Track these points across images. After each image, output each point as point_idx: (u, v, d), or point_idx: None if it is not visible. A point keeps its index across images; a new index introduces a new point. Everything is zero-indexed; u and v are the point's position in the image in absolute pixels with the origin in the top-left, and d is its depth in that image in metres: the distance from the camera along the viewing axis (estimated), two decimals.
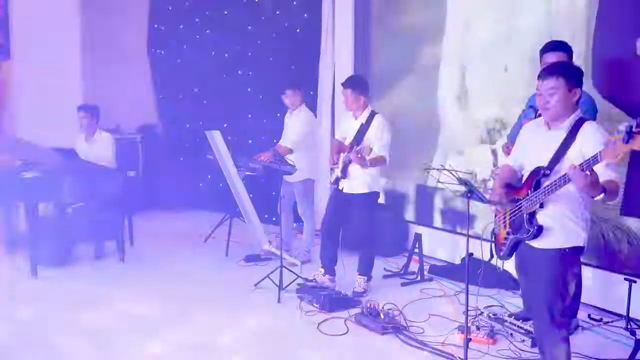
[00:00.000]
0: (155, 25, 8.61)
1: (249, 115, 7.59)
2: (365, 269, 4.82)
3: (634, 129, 2.26)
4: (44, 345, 3.82)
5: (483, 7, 5.28)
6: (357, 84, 4.79)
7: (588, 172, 2.43)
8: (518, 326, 3.83)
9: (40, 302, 4.59)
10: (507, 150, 4.18)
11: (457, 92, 5.56)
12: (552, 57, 3.70)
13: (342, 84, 4.84)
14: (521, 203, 2.87)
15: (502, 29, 5.07)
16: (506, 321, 3.93)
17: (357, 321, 4.11)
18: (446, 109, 5.69)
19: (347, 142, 4.79)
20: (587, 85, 3.62)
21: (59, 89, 7.47)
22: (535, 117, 3.82)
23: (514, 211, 2.92)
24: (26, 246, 5.32)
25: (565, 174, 2.58)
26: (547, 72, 2.82)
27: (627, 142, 2.27)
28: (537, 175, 2.80)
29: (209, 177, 8.01)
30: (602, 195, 2.50)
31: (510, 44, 4.98)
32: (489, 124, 5.21)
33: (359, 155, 4.42)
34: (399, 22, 6.16)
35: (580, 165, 2.47)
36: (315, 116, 6.17)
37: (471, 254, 3.07)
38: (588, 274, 4.22)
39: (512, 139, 4.19)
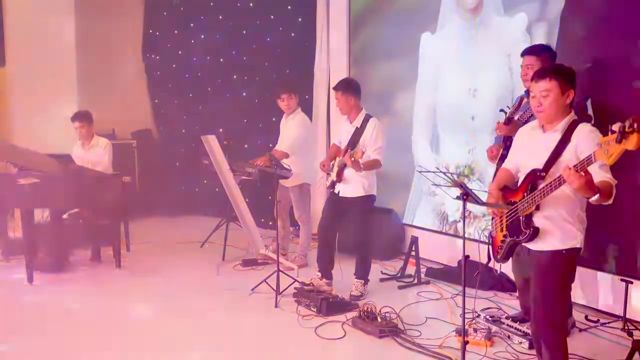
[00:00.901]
0: (150, 31, 8.62)
1: (245, 120, 7.60)
2: (362, 273, 4.82)
3: (627, 129, 2.26)
4: (40, 349, 3.80)
5: (451, 60, 5.53)
6: (346, 85, 4.81)
7: (582, 173, 2.44)
8: (515, 328, 3.83)
9: (36, 309, 4.57)
10: (491, 153, 4.22)
11: (429, 136, 5.80)
12: (528, 60, 3.91)
13: (334, 88, 4.86)
14: (517, 205, 2.87)
15: (468, 81, 5.32)
16: (503, 323, 3.93)
17: (354, 325, 4.11)
18: (419, 151, 5.93)
19: (343, 146, 4.81)
20: None
21: (54, 95, 7.47)
22: (505, 120, 3.95)
23: (511, 214, 2.93)
24: (22, 252, 5.29)
25: (560, 176, 2.59)
26: (540, 74, 2.84)
27: (620, 141, 2.28)
28: (533, 178, 2.81)
29: (205, 182, 8.02)
30: (597, 196, 2.50)
31: (476, 96, 5.26)
32: (459, 169, 5.43)
33: (353, 160, 4.42)
34: (376, 65, 6.33)
35: (574, 166, 2.48)
36: (311, 120, 6.18)
37: (467, 257, 3.08)
38: (585, 275, 4.23)
39: (497, 140, 4.24)
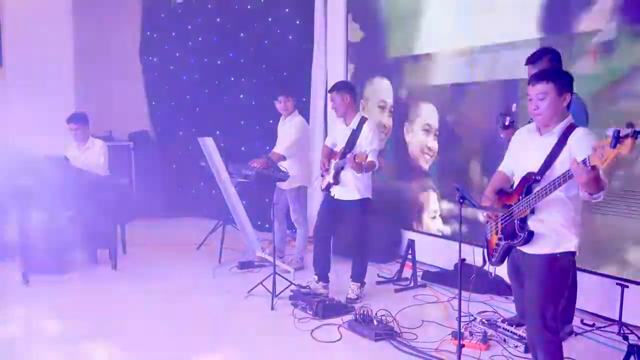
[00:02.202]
0: (148, 32, 8.62)
1: (242, 122, 7.59)
2: (359, 276, 4.82)
3: (621, 134, 2.27)
4: (36, 351, 3.79)
5: None
6: (341, 86, 4.83)
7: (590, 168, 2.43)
8: (511, 332, 3.84)
9: (31, 310, 4.56)
10: None
11: None
12: (533, 70, 3.70)
13: (329, 90, 4.87)
14: (512, 209, 2.88)
15: None
16: (499, 327, 3.93)
17: (350, 328, 4.11)
18: None
19: (338, 149, 4.80)
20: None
21: (51, 96, 7.45)
22: (503, 125, 3.91)
23: (506, 217, 2.93)
24: (18, 254, 5.27)
25: (556, 178, 2.60)
26: (537, 77, 2.84)
27: (615, 146, 2.29)
28: (528, 181, 2.81)
29: (202, 184, 8.01)
30: (601, 193, 2.52)
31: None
32: None
33: (357, 161, 4.40)
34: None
35: (582, 160, 2.45)
36: (308, 123, 6.18)
37: (464, 260, 3.08)
38: (580, 278, 4.23)
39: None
